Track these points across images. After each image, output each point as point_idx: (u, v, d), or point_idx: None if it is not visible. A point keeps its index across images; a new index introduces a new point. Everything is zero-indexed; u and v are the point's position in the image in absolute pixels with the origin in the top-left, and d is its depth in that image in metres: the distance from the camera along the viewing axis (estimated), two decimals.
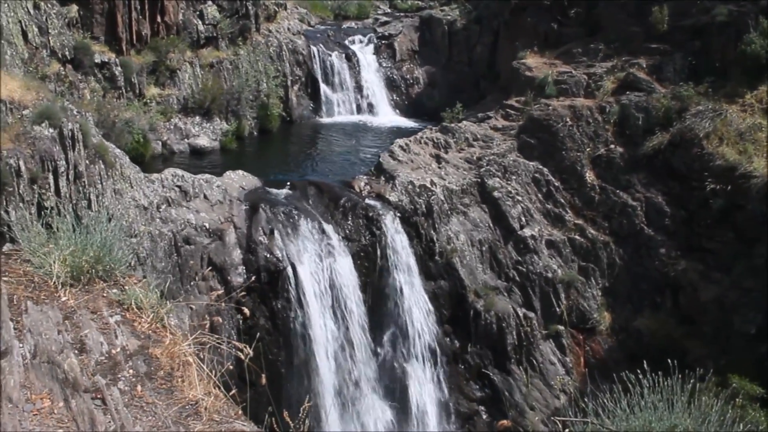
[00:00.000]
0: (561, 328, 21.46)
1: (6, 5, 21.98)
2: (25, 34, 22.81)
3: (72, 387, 3.80)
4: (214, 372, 4.22)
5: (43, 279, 4.98)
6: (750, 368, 18.28)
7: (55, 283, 4.94)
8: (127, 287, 5.11)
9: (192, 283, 18.70)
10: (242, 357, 4.08)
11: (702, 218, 21.50)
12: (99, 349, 4.21)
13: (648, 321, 21.26)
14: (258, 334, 17.50)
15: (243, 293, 18.88)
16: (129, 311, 4.83)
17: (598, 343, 21.49)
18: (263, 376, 4.09)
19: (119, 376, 3.98)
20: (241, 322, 17.43)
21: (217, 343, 4.28)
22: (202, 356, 4.32)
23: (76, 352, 4.11)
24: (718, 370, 19.02)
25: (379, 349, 20.11)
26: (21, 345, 4.17)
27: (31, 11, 23.21)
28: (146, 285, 5.24)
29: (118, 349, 4.23)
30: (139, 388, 3.89)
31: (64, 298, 4.78)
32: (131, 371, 4.07)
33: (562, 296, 21.64)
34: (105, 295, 5.00)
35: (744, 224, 20.66)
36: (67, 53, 24.05)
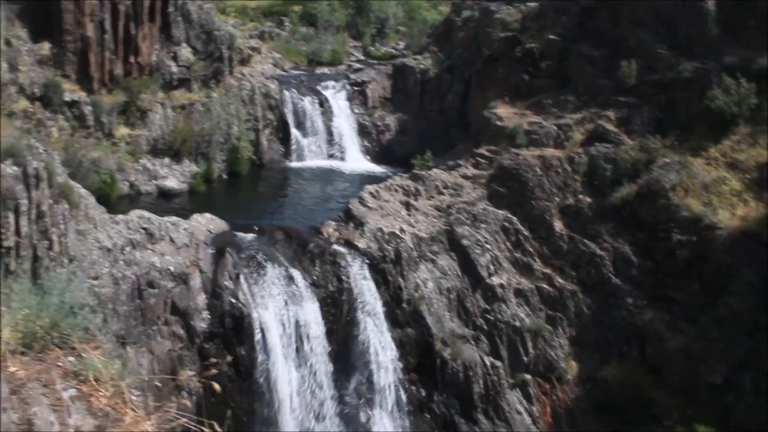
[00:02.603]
0: (528, 377, 21.28)
1: None
2: None
3: None
4: None
5: None
6: (716, 418, 18.31)
7: (4, 351, 4.53)
8: (84, 355, 4.66)
9: (155, 328, 18.29)
10: None
11: (668, 269, 21.68)
12: (49, 430, 3.84)
13: (615, 370, 21.20)
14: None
15: (206, 339, 18.51)
16: (86, 384, 4.39)
17: (565, 393, 21.34)
18: None
19: None
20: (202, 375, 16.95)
21: (185, 423, 3.96)
22: None
23: None
24: (684, 420, 19.07)
25: (344, 397, 19.75)
26: None
27: (2, 47, 23.02)
28: (106, 352, 4.85)
29: (71, 431, 3.90)
30: None
31: (13, 369, 4.34)
32: None
33: (530, 345, 21.51)
34: (60, 364, 4.57)
35: (709, 275, 20.87)
36: (36, 90, 23.81)
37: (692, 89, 23.89)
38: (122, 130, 26.18)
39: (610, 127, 24.46)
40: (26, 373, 4.32)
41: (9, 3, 23.87)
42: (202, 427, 3.98)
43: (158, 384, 15.41)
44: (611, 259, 22.36)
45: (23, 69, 23.48)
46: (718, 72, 23.46)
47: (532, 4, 29.70)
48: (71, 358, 4.69)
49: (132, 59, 26.92)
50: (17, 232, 16.01)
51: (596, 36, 26.92)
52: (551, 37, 27.77)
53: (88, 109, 24.96)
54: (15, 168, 16.39)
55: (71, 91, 24.92)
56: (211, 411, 16.79)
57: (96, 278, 17.42)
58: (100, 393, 4.36)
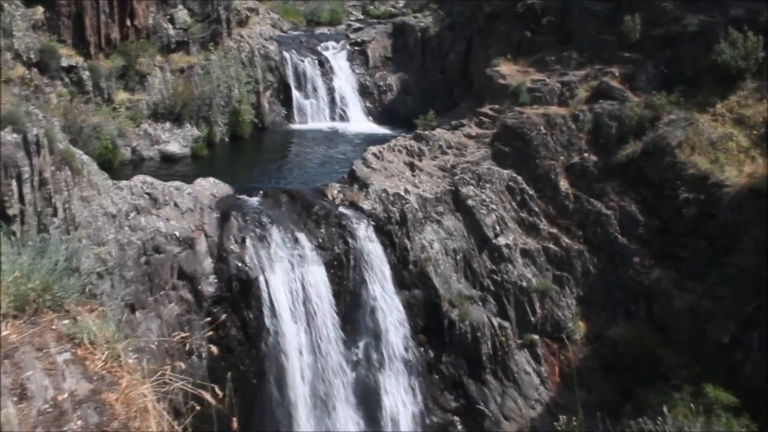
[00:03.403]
0: (536, 337, 21.33)
1: None
2: None
3: None
4: (177, 417, 3.81)
5: None
6: (723, 377, 18.33)
7: None
8: (79, 318, 4.56)
9: (162, 293, 18.28)
10: (210, 400, 3.70)
11: (675, 227, 21.55)
12: (43, 394, 3.73)
13: (622, 330, 21.22)
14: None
15: (214, 303, 18.52)
16: (81, 347, 4.29)
17: (573, 353, 21.41)
18: (234, 419, 3.71)
19: (65, 428, 3.49)
20: (208, 335, 16.98)
21: (182, 387, 3.85)
22: (164, 396, 3.88)
23: (16, 399, 3.62)
24: (691, 378, 19.12)
25: (352, 359, 19.82)
26: None
27: None
28: (102, 315, 4.72)
29: (66, 395, 3.75)
30: None
31: (5, 333, 4.23)
32: (79, 422, 3.56)
33: (537, 305, 21.51)
34: (54, 327, 4.46)
35: (716, 233, 20.75)
36: (32, 56, 23.45)
37: (698, 43, 23.44)
38: (121, 95, 25.88)
39: (615, 83, 24.09)
40: (19, 336, 4.19)
41: None
42: (200, 391, 3.88)
43: (165, 348, 15.45)
44: (617, 218, 22.22)
45: (18, 34, 23.08)
46: (725, 25, 23.01)
47: None
48: (65, 321, 4.59)
49: (128, 22, 26.48)
50: (21, 199, 15.88)
51: None
52: None
53: (86, 75, 24.62)
54: (15, 135, 16.18)
55: (68, 57, 24.54)
56: (221, 374, 16.88)
57: (102, 244, 17.36)
58: (95, 356, 4.26)
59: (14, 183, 15.85)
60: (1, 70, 21.71)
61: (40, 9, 24.28)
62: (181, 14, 28.19)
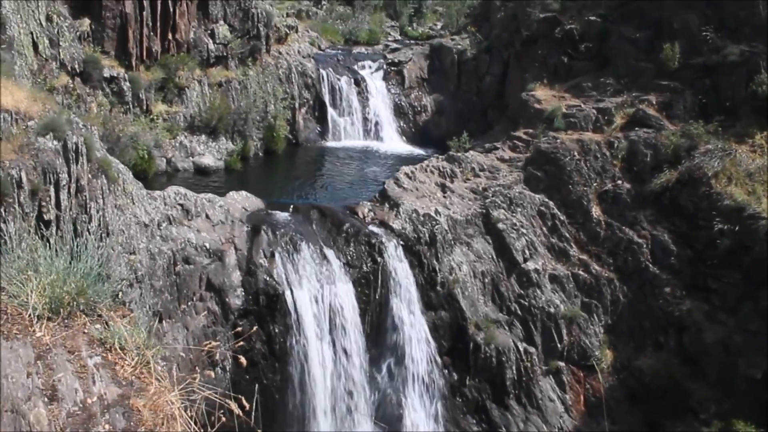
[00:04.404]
0: (562, 364, 21.07)
1: (18, 16, 21.96)
2: (35, 46, 22.78)
3: None
4: (202, 426, 3.84)
5: (17, 310, 4.46)
6: (754, 414, 17.92)
7: (30, 315, 4.43)
8: (110, 323, 4.62)
9: (189, 304, 18.44)
10: (238, 411, 3.72)
11: (708, 258, 21.19)
12: (73, 397, 3.77)
13: (650, 360, 20.88)
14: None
15: (240, 316, 18.62)
16: (111, 352, 4.35)
17: (598, 381, 21.10)
18: None
19: (93, 431, 3.61)
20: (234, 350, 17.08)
21: (209, 395, 3.87)
22: (191, 404, 3.90)
23: (46, 400, 3.66)
24: (720, 414, 18.72)
25: (376, 379, 19.76)
26: None
27: (43, 23, 23.20)
28: (133, 321, 4.78)
29: (95, 399, 3.78)
30: None
31: (39, 334, 4.29)
32: (107, 426, 3.59)
33: (564, 332, 21.27)
34: (86, 331, 4.52)
35: (751, 266, 20.35)
36: (76, 66, 24.00)
37: (738, 73, 23.16)
38: (160, 107, 26.32)
39: (651, 111, 23.91)
40: (52, 338, 4.26)
41: None
42: (228, 401, 3.91)
43: (190, 358, 15.53)
44: (649, 247, 21.95)
45: (64, 45, 23.65)
46: (767, 55, 22.75)
47: None
48: (97, 326, 4.66)
49: (170, 36, 26.98)
50: (57, 205, 16.17)
51: (638, 17, 26.27)
52: (592, 18, 27.20)
53: (126, 86, 25.11)
54: (55, 142, 16.52)
55: (110, 67, 25.07)
56: (245, 388, 16.92)
57: (133, 253, 17.58)
58: (125, 362, 4.31)
59: (52, 189, 16.17)
60: (47, 79, 22.26)
61: (87, 21, 24.87)
62: (222, 30, 28.65)
